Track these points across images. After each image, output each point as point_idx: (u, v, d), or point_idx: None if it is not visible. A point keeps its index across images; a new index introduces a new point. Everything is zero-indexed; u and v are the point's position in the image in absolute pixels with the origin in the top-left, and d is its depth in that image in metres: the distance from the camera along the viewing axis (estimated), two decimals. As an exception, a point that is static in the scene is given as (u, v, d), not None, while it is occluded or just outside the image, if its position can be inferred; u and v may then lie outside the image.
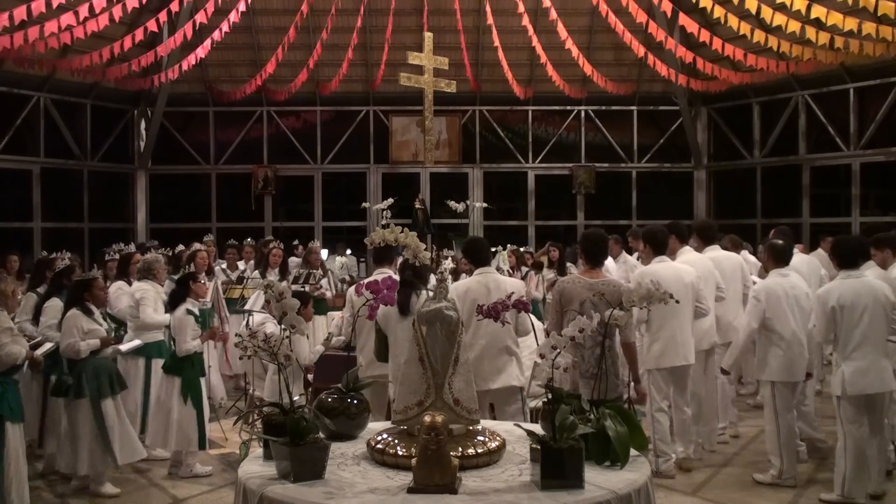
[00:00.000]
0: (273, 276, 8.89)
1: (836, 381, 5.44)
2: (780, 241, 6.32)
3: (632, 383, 5.27)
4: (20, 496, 5.04)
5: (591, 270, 5.08)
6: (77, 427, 5.76)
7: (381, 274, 5.58)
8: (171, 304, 6.40)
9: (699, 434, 6.48)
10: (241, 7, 12.35)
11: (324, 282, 9.49)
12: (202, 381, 6.41)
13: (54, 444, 6.22)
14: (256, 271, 9.18)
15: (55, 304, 6.35)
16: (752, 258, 8.85)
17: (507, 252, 11.14)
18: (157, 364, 6.63)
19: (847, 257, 5.63)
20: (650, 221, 9.66)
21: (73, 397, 5.75)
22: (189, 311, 6.23)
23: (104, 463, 5.83)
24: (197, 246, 8.87)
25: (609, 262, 8.54)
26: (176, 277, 7.18)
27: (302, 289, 8.21)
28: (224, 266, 9.93)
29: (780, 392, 5.84)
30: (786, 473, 5.85)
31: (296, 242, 12.43)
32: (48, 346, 5.88)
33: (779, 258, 6.09)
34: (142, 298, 6.70)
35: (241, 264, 9.97)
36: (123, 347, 6.35)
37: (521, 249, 11.56)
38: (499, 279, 5.49)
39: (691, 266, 6.27)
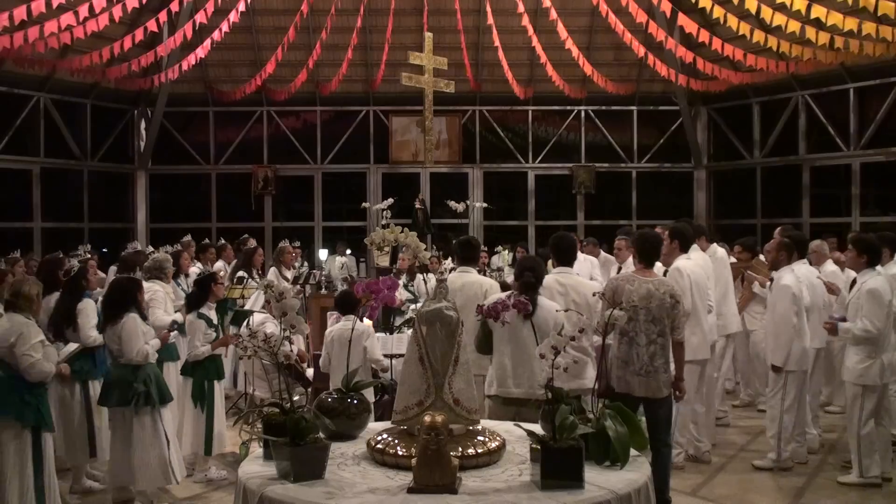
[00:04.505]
0: (289, 275, 8.91)
1: (875, 371, 5.71)
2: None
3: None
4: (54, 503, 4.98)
5: (644, 269, 5.08)
6: (143, 437, 5.34)
7: (465, 272, 5.77)
8: (191, 305, 6.25)
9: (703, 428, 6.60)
10: (241, 7, 12.33)
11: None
12: (218, 385, 6.22)
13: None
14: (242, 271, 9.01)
15: (89, 305, 5.97)
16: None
17: (518, 249, 11.25)
18: (169, 366, 6.45)
19: (879, 254, 6.02)
20: (650, 221, 9.69)
21: (142, 405, 5.32)
22: (200, 315, 6.10)
23: (163, 478, 5.43)
24: (181, 246, 8.85)
25: (593, 260, 8.66)
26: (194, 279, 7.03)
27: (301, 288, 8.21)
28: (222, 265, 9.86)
29: (794, 380, 6.16)
30: (784, 458, 6.18)
31: (297, 244, 12.37)
32: (72, 347, 5.64)
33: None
34: (152, 300, 6.55)
35: (219, 264, 9.81)
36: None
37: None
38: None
39: (696, 264, 6.39)
